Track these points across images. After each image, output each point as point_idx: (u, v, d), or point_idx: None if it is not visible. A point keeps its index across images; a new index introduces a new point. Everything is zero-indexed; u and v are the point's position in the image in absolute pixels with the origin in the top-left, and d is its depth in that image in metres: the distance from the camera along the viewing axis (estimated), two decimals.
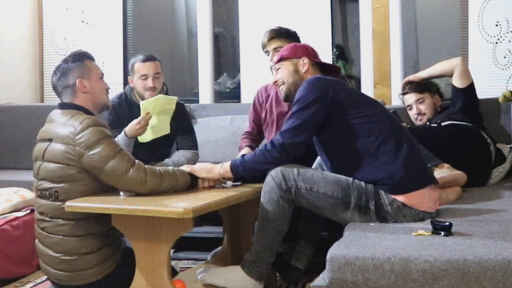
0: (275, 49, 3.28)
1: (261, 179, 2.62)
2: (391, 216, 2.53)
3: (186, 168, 2.70)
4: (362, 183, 2.55)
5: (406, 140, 2.61)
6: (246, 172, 2.67)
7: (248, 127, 3.59)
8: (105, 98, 2.73)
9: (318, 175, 2.57)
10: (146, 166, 2.55)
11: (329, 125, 2.63)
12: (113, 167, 2.48)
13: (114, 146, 2.52)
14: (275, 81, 2.88)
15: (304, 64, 2.81)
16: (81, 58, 2.69)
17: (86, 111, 2.62)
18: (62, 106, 2.67)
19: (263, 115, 3.47)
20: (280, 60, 2.86)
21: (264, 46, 3.41)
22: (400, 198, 2.53)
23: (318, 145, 2.73)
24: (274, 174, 2.54)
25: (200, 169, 2.69)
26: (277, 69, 2.87)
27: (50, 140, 2.57)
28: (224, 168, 2.67)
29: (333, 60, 4.68)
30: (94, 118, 2.56)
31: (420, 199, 2.55)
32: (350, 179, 2.57)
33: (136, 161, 2.55)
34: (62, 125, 2.56)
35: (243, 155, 2.71)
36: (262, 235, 2.56)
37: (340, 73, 2.95)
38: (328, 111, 2.61)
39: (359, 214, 2.53)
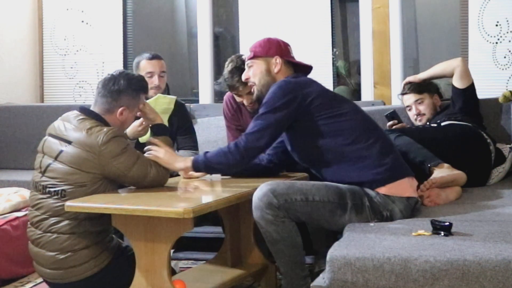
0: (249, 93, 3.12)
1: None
2: (383, 206, 2.52)
3: (153, 151, 2.72)
4: (348, 185, 2.55)
5: (377, 137, 2.62)
6: (207, 170, 2.74)
7: (231, 138, 3.45)
8: (124, 131, 2.84)
9: (308, 184, 2.55)
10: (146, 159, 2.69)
11: (298, 127, 2.64)
12: (136, 172, 2.61)
13: (134, 153, 2.63)
14: (246, 78, 2.84)
15: (276, 64, 2.77)
16: (140, 90, 2.75)
17: (106, 124, 2.65)
18: (88, 113, 2.67)
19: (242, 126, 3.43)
20: (253, 57, 2.81)
21: (234, 89, 3.25)
22: (382, 190, 2.54)
23: (291, 146, 2.72)
24: (260, 195, 2.44)
25: (163, 157, 2.69)
26: (249, 66, 2.82)
27: (68, 142, 2.58)
28: (185, 163, 2.69)
29: (333, 60, 4.68)
30: (115, 129, 2.62)
31: (400, 187, 2.56)
32: (336, 184, 2.56)
33: (150, 160, 2.68)
34: (82, 131, 2.58)
35: (205, 152, 2.71)
36: (280, 256, 2.51)
37: (310, 71, 2.89)
38: (295, 115, 2.61)
39: (356, 214, 2.52)
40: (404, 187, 2.58)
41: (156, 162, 2.68)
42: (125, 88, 2.68)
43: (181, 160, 2.71)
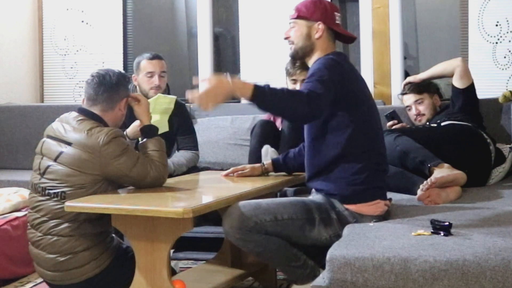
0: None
1: None
2: (351, 217, 2.53)
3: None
4: (314, 199, 2.57)
5: (373, 149, 2.58)
6: (270, 93, 2.35)
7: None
8: (122, 123, 2.83)
9: (274, 202, 2.53)
10: (147, 158, 2.68)
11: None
12: (137, 172, 2.60)
13: (134, 154, 2.63)
14: (287, 37, 2.71)
15: (318, 29, 2.63)
16: (128, 83, 2.81)
17: (105, 125, 2.66)
18: (87, 114, 2.67)
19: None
20: (296, 17, 2.68)
21: (291, 75, 3.44)
22: (351, 207, 2.54)
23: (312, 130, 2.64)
24: (229, 221, 2.43)
25: (213, 87, 2.37)
26: (291, 25, 2.69)
27: (68, 143, 2.58)
28: (244, 89, 2.34)
29: None
30: (115, 130, 2.62)
31: (370, 207, 2.56)
32: (300, 198, 2.58)
33: (149, 159, 2.67)
34: (82, 132, 2.59)
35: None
36: (271, 262, 2.60)
37: (353, 42, 2.84)
38: (344, 82, 2.51)
39: (325, 227, 2.52)
40: (375, 207, 2.57)
41: (155, 162, 2.66)
42: (120, 79, 2.72)
43: (238, 87, 2.35)
